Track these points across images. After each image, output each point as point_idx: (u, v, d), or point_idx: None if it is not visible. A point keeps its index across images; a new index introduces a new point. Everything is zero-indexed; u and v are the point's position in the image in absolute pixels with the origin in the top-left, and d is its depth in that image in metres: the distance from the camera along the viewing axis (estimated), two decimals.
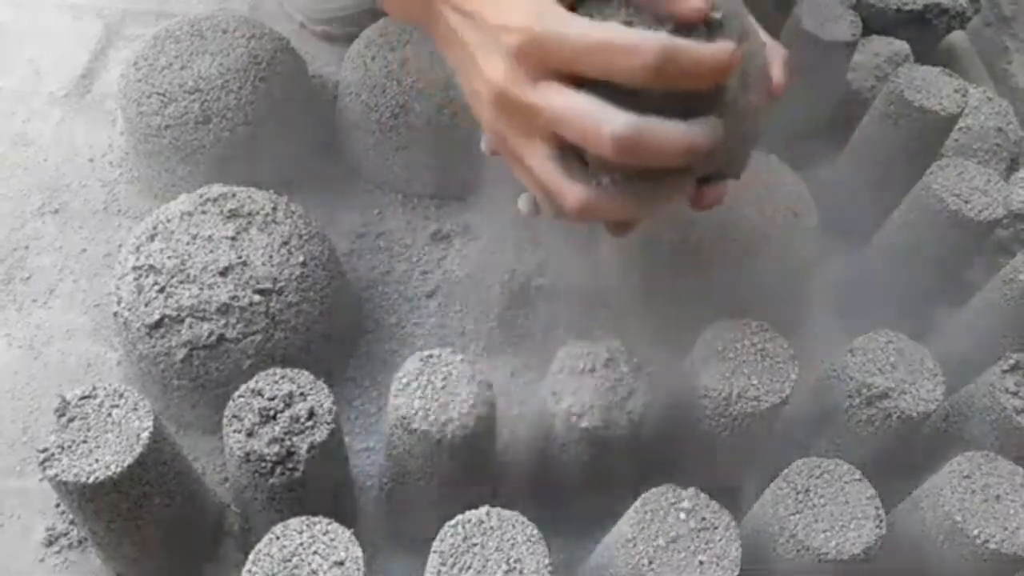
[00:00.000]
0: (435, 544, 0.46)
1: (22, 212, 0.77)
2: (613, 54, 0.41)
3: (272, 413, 0.51)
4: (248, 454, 0.50)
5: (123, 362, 0.68)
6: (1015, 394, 0.58)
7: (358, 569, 0.45)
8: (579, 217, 0.46)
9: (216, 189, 0.66)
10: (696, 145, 0.42)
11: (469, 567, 0.45)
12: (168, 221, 0.63)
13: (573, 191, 0.45)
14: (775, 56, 0.52)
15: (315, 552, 0.45)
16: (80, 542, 0.60)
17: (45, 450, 0.48)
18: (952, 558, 0.52)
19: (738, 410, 0.55)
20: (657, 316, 0.72)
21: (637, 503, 0.49)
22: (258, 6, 0.95)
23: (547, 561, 0.45)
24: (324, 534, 0.46)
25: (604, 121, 0.41)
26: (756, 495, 0.56)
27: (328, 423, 0.51)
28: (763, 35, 0.55)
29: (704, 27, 0.44)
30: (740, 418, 0.55)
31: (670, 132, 0.42)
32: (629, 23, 0.43)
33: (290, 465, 0.50)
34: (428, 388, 0.52)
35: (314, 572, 0.44)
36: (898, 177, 0.73)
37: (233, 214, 0.64)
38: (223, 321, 0.60)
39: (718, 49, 0.42)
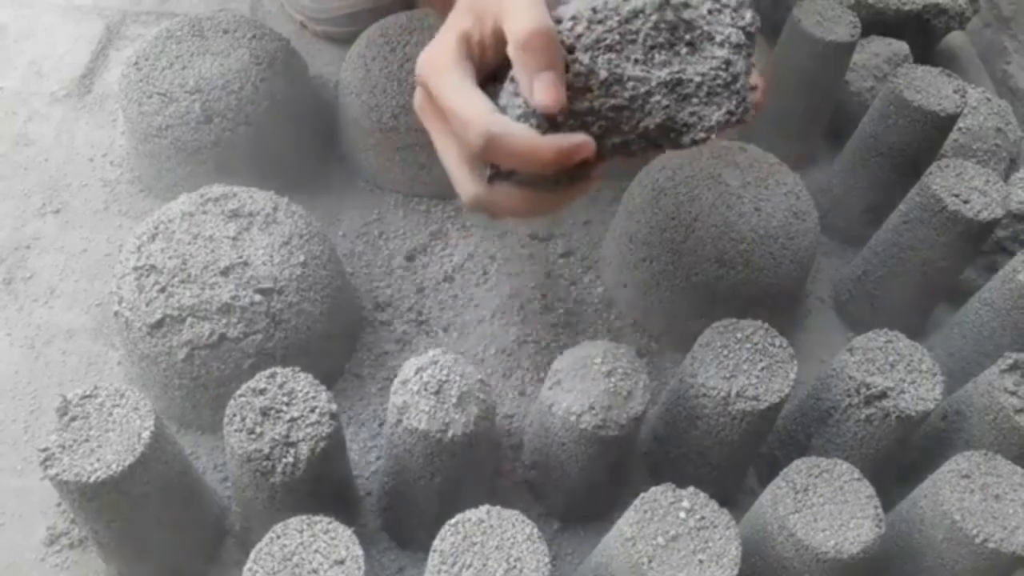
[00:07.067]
0: (435, 543, 0.46)
1: (23, 212, 0.77)
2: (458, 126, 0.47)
3: (273, 413, 0.51)
4: (249, 453, 0.50)
5: (124, 362, 0.68)
6: (1014, 394, 0.58)
7: (358, 568, 0.45)
8: (472, 210, 0.50)
9: (217, 189, 0.66)
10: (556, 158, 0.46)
11: (469, 567, 0.45)
12: (169, 221, 0.64)
13: (467, 186, 0.49)
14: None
15: (316, 551, 0.45)
16: (81, 541, 0.60)
17: (46, 449, 0.49)
18: (951, 558, 0.53)
19: (738, 410, 0.55)
20: (657, 316, 0.72)
21: (637, 502, 0.49)
22: (258, 6, 0.95)
23: (547, 561, 0.45)
24: (324, 533, 0.46)
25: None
26: (756, 495, 0.56)
27: (328, 423, 0.51)
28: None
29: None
30: (740, 418, 0.56)
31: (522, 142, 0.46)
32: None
33: (291, 465, 0.50)
34: (428, 388, 0.52)
35: (315, 571, 0.44)
36: (897, 177, 0.74)
37: (234, 214, 0.64)
38: (224, 321, 0.60)
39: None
